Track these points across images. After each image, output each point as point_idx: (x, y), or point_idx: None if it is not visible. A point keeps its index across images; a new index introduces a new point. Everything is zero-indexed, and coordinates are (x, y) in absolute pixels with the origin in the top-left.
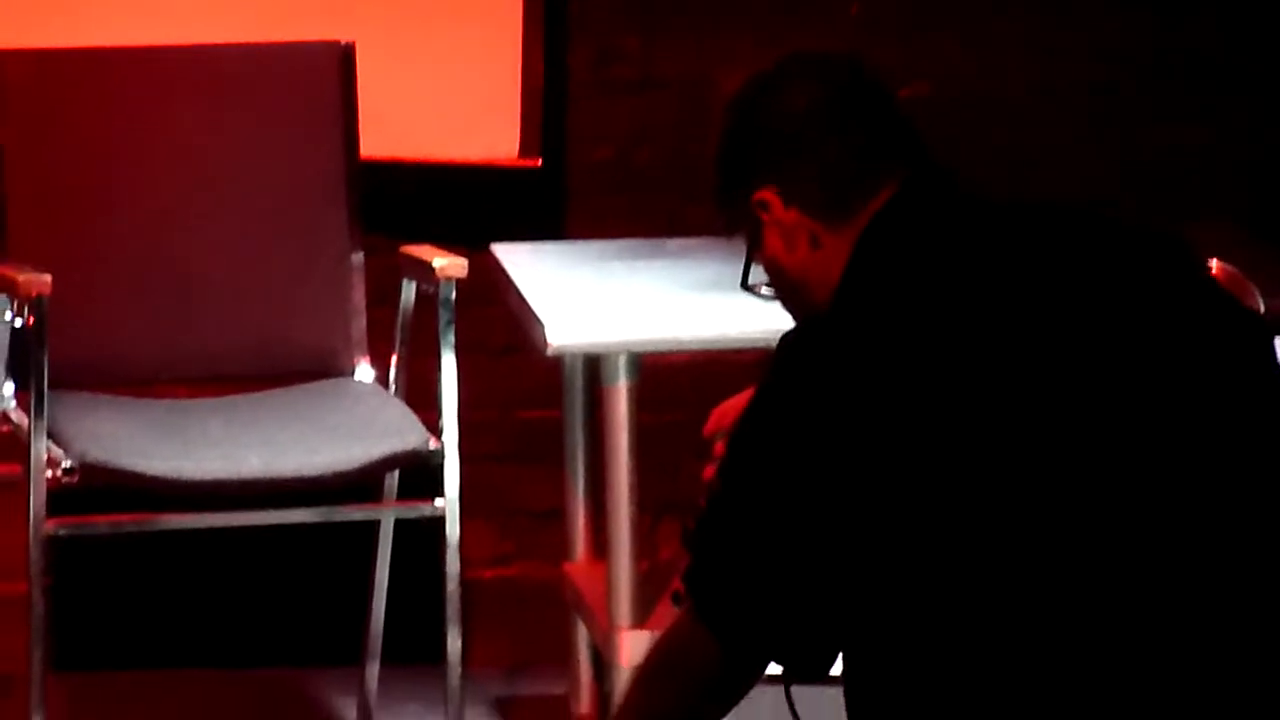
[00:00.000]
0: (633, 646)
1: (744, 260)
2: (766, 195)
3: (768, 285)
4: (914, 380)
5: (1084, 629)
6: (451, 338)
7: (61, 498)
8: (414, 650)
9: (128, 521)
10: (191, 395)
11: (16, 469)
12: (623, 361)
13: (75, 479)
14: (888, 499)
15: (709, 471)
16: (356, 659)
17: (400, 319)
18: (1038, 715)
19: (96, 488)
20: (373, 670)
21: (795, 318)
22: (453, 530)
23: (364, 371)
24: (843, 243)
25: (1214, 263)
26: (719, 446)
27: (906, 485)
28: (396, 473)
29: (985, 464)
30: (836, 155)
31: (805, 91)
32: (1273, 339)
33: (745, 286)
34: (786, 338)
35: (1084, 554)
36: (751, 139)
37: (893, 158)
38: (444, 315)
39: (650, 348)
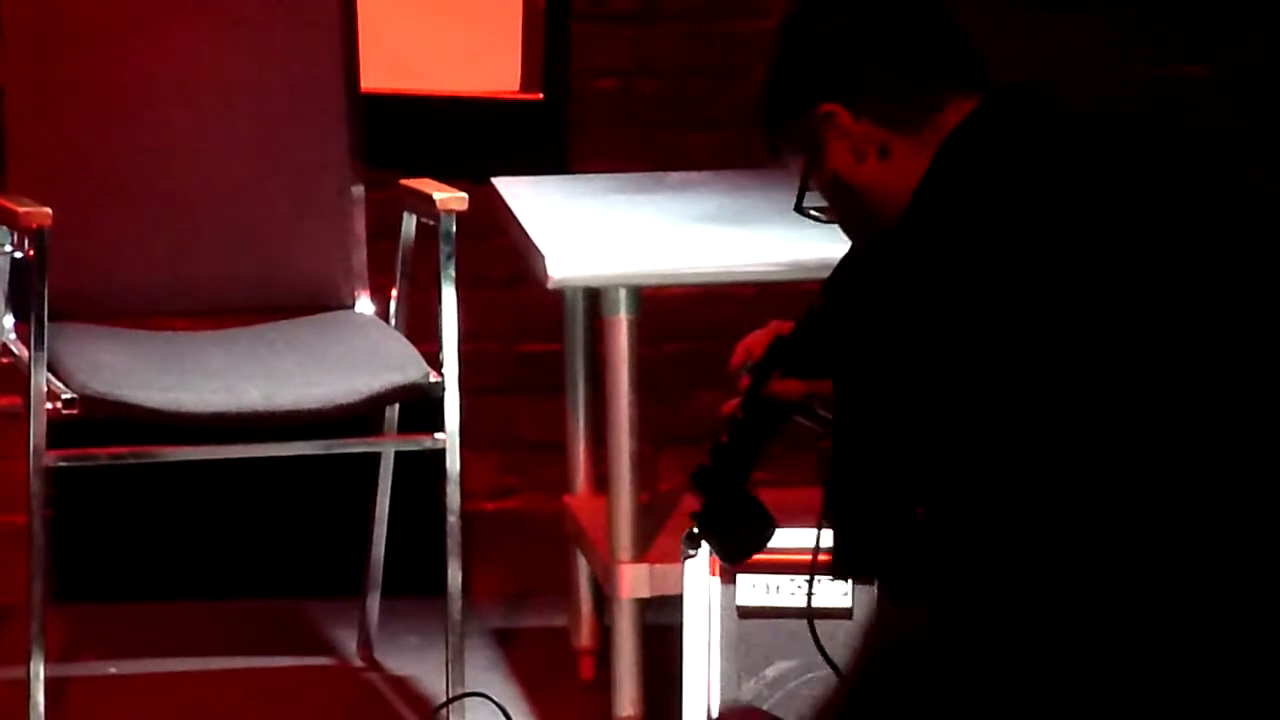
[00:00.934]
0: (633, 579)
1: (799, 183)
2: (833, 108)
3: (818, 209)
4: (1030, 272)
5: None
6: (452, 271)
7: (62, 429)
8: (414, 582)
9: (127, 453)
10: (191, 327)
11: (17, 401)
12: (623, 294)
13: (75, 411)
14: (1025, 400)
15: (729, 406)
16: (357, 591)
17: (401, 252)
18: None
19: (96, 419)
20: (373, 602)
21: (857, 233)
22: (453, 463)
23: (364, 304)
24: (916, 152)
25: None
26: (744, 380)
27: (1039, 389)
28: (397, 406)
29: (1111, 363)
30: (903, 66)
31: (865, 5)
32: None
33: (799, 209)
34: (877, 252)
35: (1214, 441)
36: (813, 55)
37: (956, 68)
38: (445, 248)
39: (651, 281)
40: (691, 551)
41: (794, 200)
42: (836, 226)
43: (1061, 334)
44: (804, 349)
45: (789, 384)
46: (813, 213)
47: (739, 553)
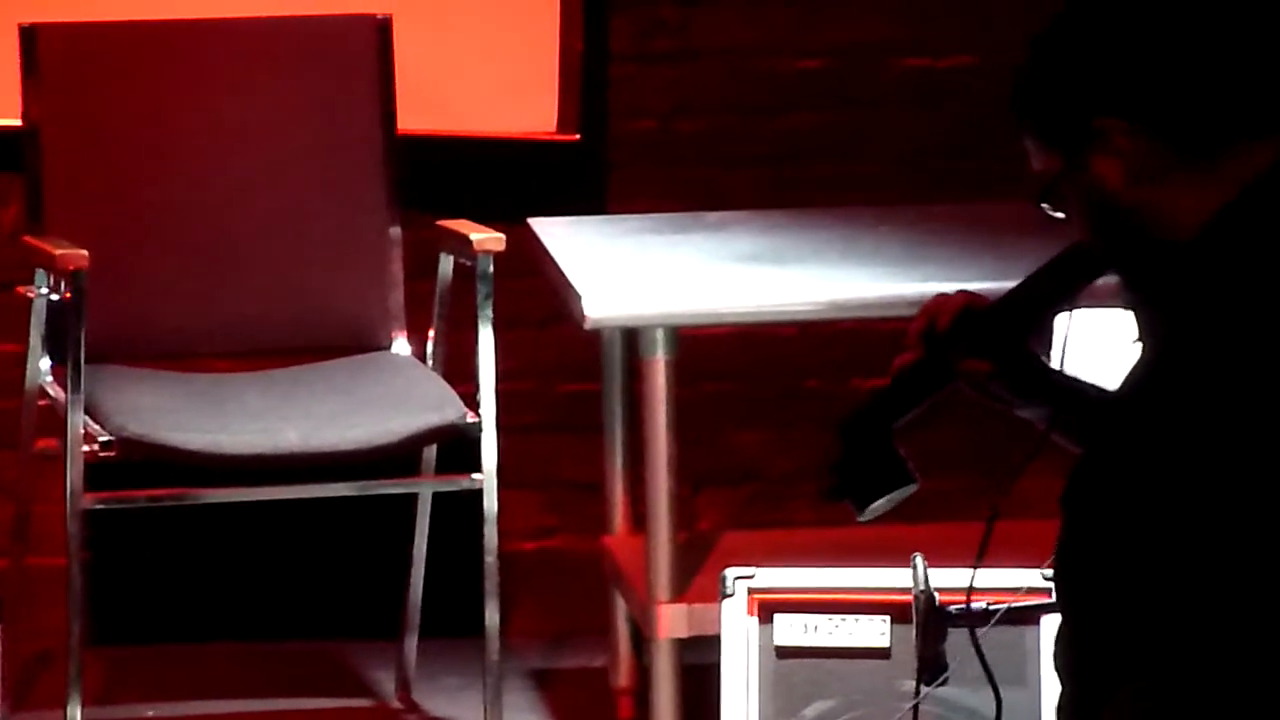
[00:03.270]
0: (671, 619)
1: (1050, 175)
2: (1113, 124)
3: (1056, 208)
4: None
5: None
6: (489, 311)
7: (99, 471)
8: (453, 623)
9: (165, 496)
10: (229, 369)
11: (54, 443)
12: (660, 335)
13: (113, 453)
14: None
15: (901, 361)
16: (395, 632)
17: (438, 292)
18: None
19: (134, 462)
20: (411, 643)
21: (1107, 247)
22: (491, 503)
23: (402, 345)
24: (1200, 187)
25: None
26: (920, 349)
27: None
28: (435, 446)
29: None
30: (1202, 96)
31: (1185, 22)
32: None
33: (1039, 200)
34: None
35: None
36: (1108, 62)
37: (1255, 107)
38: (482, 289)
39: (688, 321)
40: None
41: (1039, 195)
42: (1071, 229)
43: None
44: (996, 330)
45: (979, 362)
46: (1047, 208)
47: (873, 504)
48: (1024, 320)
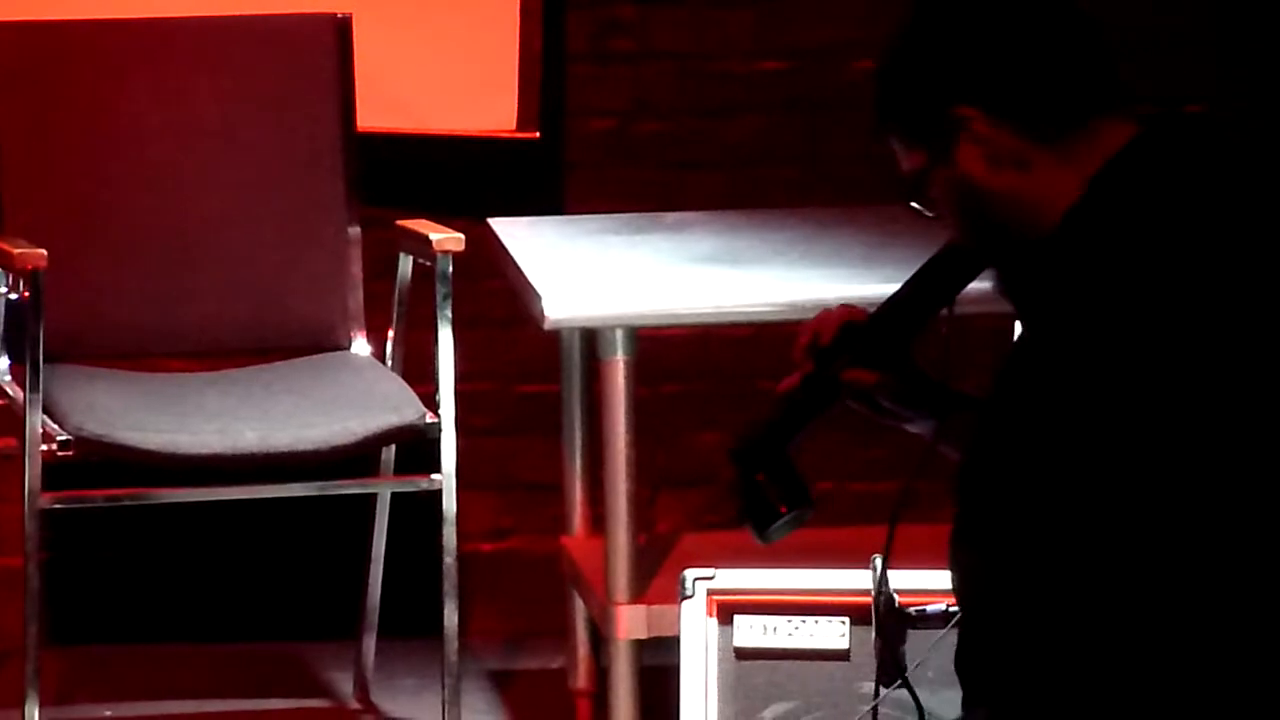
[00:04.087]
0: (630, 620)
1: (916, 173)
2: (970, 112)
3: (924, 204)
4: (1205, 321)
5: None
6: (449, 311)
7: (57, 471)
8: (411, 624)
9: (123, 495)
10: (187, 369)
11: (12, 442)
12: (620, 335)
13: (71, 452)
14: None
15: (786, 384)
16: (353, 633)
17: (397, 293)
18: None
19: (92, 461)
20: (369, 643)
21: (977, 238)
22: (449, 504)
23: (361, 345)
24: (1061, 169)
25: None
26: (805, 363)
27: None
28: (393, 447)
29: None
30: (1053, 79)
31: (1021, 9)
32: None
33: (909, 199)
34: (1020, 273)
35: None
36: (960, 51)
37: (1105, 88)
38: (441, 289)
39: (647, 322)
40: (687, 594)
41: (907, 194)
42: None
43: (1228, 398)
44: (877, 339)
45: (862, 373)
46: (919, 208)
47: (770, 528)
48: (904, 326)
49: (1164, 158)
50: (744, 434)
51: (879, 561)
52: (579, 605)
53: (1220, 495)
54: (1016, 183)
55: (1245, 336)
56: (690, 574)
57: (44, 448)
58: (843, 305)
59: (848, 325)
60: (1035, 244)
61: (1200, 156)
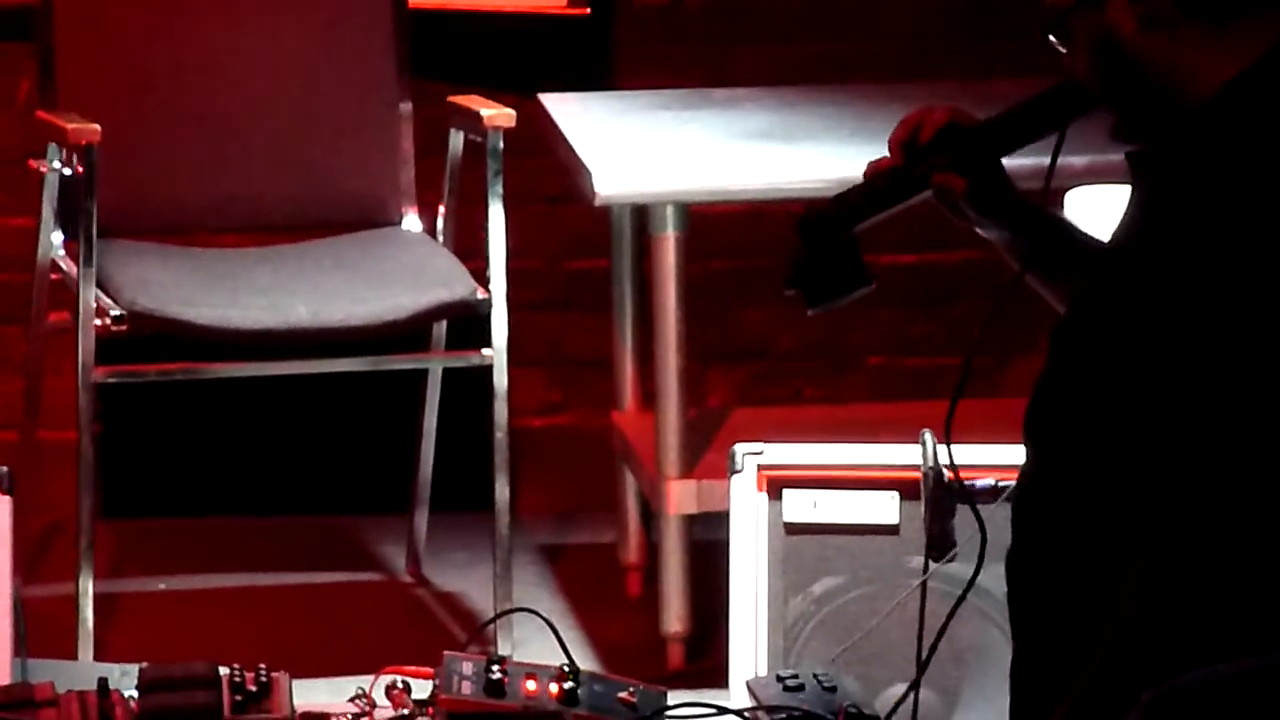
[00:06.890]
0: (680, 495)
1: (1062, 7)
2: None
3: (1061, 43)
4: None
5: None
6: (500, 187)
7: (110, 345)
8: (462, 498)
9: (176, 370)
10: (239, 244)
11: (66, 317)
12: (671, 211)
13: (124, 327)
14: None
15: (874, 168)
16: (405, 507)
17: (448, 168)
18: None
19: (145, 336)
20: (421, 518)
21: (1106, 93)
22: (500, 379)
23: (412, 221)
24: (1214, 50)
25: None
26: (898, 158)
27: None
28: (444, 322)
29: None
30: None
31: None
32: None
33: (1046, 32)
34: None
35: None
36: None
37: None
38: (492, 165)
39: (698, 198)
40: None
41: (1046, 25)
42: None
43: None
44: (979, 148)
45: (954, 177)
46: (1054, 41)
47: (823, 302)
48: (1006, 142)
49: None
50: (816, 207)
51: (928, 436)
52: (629, 480)
53: None
54: (1161, 49)
55: None
56: (740, 449)
57: (97, 322)
58: (950, 105)
59: (952, 127)
60: (1175, 110)
61: None
